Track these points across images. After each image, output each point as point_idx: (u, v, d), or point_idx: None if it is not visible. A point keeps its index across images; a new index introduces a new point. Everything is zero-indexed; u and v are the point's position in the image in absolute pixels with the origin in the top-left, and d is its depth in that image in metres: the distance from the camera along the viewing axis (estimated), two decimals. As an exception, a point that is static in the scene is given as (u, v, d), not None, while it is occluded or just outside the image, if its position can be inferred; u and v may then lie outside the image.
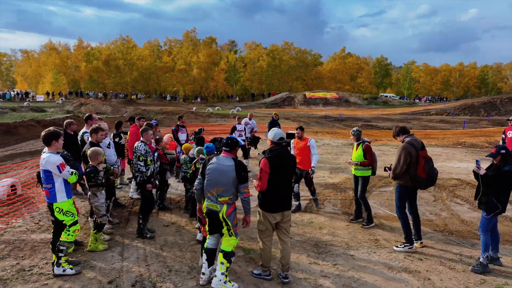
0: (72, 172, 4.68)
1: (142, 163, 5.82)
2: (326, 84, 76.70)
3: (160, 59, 68.85)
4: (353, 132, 6.90)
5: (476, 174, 4.98)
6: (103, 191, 5.41)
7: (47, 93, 60.62)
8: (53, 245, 4.77)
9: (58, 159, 4.56)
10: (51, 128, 4.71)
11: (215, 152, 5.73)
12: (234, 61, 71.83)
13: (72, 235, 4.68)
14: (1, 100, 54.61)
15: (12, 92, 61.31)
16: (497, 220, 5.16)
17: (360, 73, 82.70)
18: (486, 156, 5.07)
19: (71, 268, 4.70)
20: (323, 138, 20.65)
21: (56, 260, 4.62)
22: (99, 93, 64.24)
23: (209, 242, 4.40)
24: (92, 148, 5.42)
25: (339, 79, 78.83)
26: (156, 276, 4.58)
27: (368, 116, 38.20)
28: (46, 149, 4.70)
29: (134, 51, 67.99)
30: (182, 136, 10.30)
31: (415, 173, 5.37)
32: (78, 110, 34.94)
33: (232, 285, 4.24)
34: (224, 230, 4.27)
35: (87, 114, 7.04)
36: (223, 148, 4.31)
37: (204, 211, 4.33)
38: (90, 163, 5.34)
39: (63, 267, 4.66)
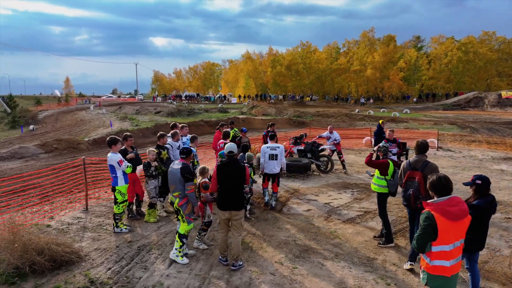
0: (128, 166, 6.93)
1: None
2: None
3: (336, 61, 70.27)
4: (379, 148, 6.82)
5: None
6: (153, 180, 7.51)
7: (239, 96, 71.93)
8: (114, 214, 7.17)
9: (118, 157, 6.83)
10: (112, 136, 7.07)
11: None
12: (415, 59, 65.88)
13: (120, 209, 6.91)
14: (207, 102, 68.60)
15: (216, 96, 75.92)
16: (475, 260, 4.48)
17: None
18: (463, 184, 4.48)
19: (125, 228, 7.01)
20: (473, 149, 17.74)
21: (115, 223, 6.99)
22: (279, 95, 71.45)
23: (178, 226, 5.79)
24: (149, 149, 7.62)
25: None
26: (158, 245, 6.29)
27: None
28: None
29: (312, 55, 71.95)
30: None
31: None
32: (249, 112, 40.70)
33: (183, 260, 5.52)
34: (179, 217, 5.60)
35: (172, 123, 9.32)
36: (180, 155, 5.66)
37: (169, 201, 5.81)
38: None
39: (120, 228, 6.99)
